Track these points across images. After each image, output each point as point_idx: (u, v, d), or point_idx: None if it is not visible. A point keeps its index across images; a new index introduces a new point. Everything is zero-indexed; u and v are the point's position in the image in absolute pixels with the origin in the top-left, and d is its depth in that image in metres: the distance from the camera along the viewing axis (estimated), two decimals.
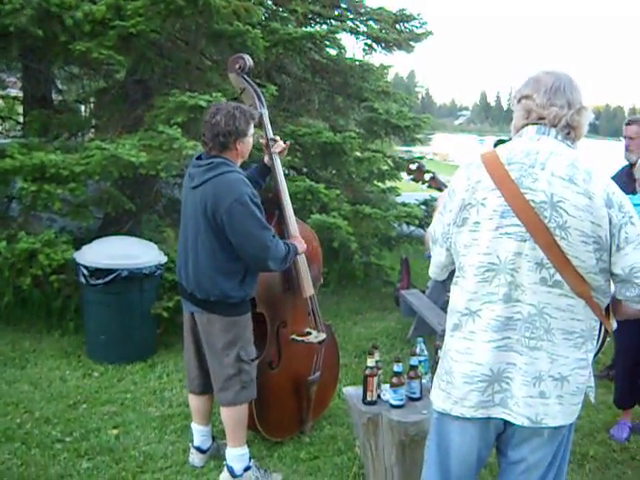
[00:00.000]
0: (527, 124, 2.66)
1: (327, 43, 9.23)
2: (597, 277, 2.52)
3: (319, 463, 4.61)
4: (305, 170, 9.15)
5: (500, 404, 2.61)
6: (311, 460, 4.66)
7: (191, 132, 6.89)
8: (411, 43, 10.37)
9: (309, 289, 4.73)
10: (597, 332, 2.67)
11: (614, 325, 2.79)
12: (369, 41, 10.12)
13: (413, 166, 4.19)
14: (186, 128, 6.81)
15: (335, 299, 8.39)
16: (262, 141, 4.60)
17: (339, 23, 9.76)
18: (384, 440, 3.94)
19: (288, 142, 4.74)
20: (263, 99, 4.64)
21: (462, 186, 2.66)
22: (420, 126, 9.52)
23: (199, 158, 4.10)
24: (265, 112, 4.60)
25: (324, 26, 10.00)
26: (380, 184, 10.19)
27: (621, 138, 5.24)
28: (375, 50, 10.20)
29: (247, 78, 4.64)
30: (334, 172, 9.30)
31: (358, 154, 8.74)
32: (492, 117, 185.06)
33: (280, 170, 4.59)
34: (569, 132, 2.61)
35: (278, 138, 4.61)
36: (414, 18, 10.33)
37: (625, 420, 5.32)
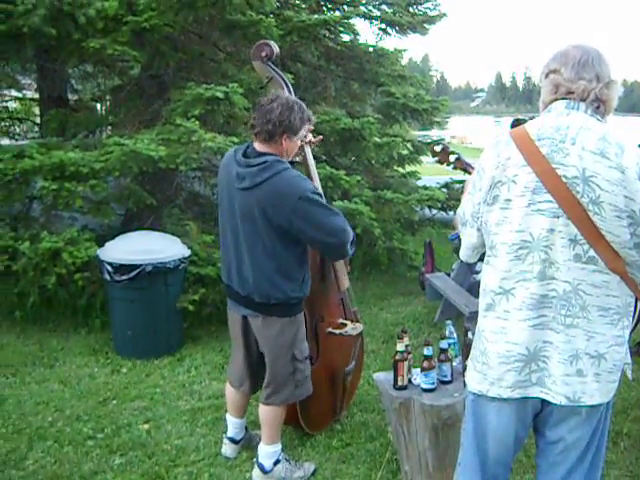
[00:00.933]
0: (556, 99, 2.61)
1: (341, 29, 9.22)
2: (632, 252, 2.47)
3: (352, 450, 4.60)
4: (325, 157, 9.11)
5: (537, 383, 2.58)
6: (343, 447, 4.64)
7: (209, 124, 6.88)
8: (425, 25, 10.32)
9: (346, 281, 4.68)
10: (633, 308, 2.63)
11: None
12: (383, 25, 10.07)
13: (438, 148, 4.14)
14: (204, 120, 6.80)
15: (360, 285, 8.35)
16: None
17: (352, 8, 9.70)
18: (417, 424, 3.91)
19: (320, 137, 4.59)
20: (291, 88, 4.50)
21: (492, 164, 2.61)
22: (438, 109, 9.48)
23: (245, 155, 3.89)
24: None
25: (337, 12, 9.95)
26: (400, 169, 10.14)
27: None
28: (389, 34, 10.16)
29: (273, 66, 4.52)
30: (354, 158, 9.29)
31: (377, 139, 8.66)
32: (508, 98, 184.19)
33: (312, 160, 4.48)
34: (598, 106, 2.55)
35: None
36: (427, 0, 10.28)
37: None
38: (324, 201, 3.83)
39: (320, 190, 4.33)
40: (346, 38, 9.79)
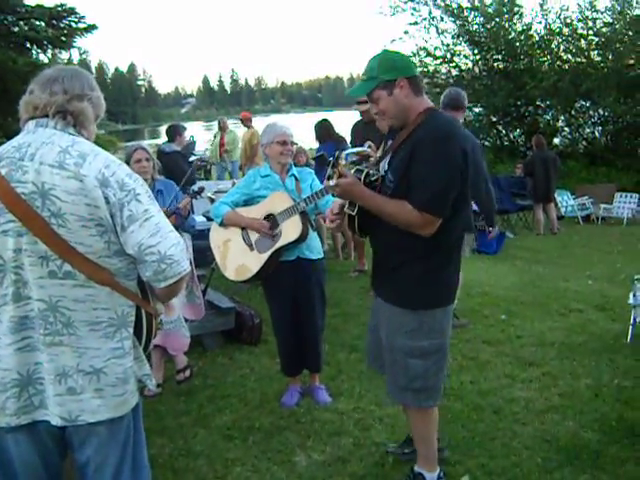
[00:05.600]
0: (29, 118, 2.57)
1: None
2: (112, 261, 2.49)
3: None
4: None
5: (41, 406, 2.53)
6: None
7: None
8: (72, 39, 10.05)
9: None
10: (133, 317, 2.63)
11: (160, 309, 2.78)
12: (24, 41, 9.69)
13: None
14: None
15: None
16: None
17: None
18: None
19: None
20: None
21: None
22: None
23: None
24: None
25: None
26: None
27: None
28: (31, 50, 9.81)
29: None
30: None
31: None
32: (217, 101, 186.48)
33: None
34: (66, 118, 2.56)
35: None
36: (70, 14, 10.02)
37: (294, 386, 5.43)
38: None
39: None
40: None
